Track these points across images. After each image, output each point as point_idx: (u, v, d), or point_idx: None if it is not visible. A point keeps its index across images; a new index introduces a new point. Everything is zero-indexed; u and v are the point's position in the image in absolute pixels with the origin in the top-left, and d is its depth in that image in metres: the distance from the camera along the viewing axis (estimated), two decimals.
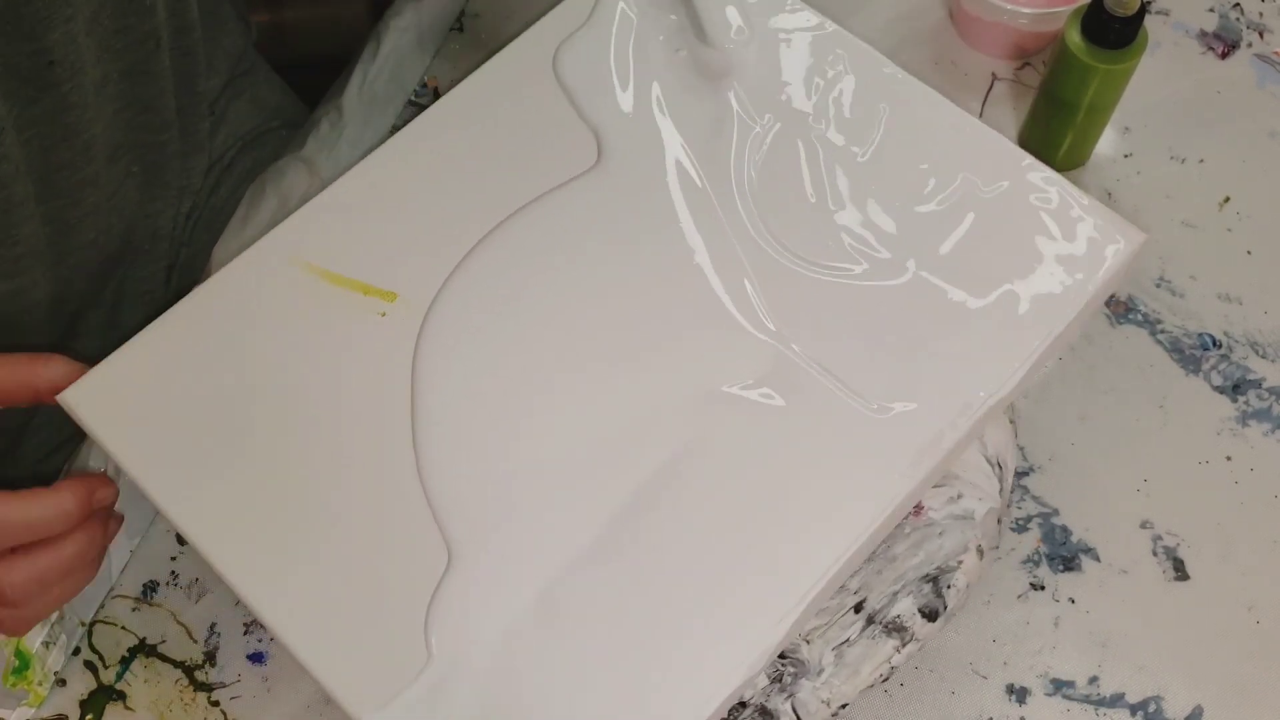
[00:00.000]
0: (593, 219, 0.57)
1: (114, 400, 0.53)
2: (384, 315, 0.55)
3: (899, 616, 0.55)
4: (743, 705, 0.54)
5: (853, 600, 0.56)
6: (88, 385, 0.53)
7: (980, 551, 0.57)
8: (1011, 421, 0.61)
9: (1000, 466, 0.59)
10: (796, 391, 0.53)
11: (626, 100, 0.60)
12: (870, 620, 0.55)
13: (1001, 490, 0.59)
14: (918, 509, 0.57)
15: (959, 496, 0.57)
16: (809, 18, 0.61)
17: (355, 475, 0.52)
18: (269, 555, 0.50)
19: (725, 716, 0.51)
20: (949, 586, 0.56)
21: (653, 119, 0.59)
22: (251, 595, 0.50)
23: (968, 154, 0.58)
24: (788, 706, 0.54)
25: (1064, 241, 0.55)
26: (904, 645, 0.55)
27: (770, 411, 0.53)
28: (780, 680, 0.54)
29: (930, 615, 0.56)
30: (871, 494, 0.51)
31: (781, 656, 0.54)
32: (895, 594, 0.56)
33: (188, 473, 0.52)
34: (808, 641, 0.55)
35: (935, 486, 0.57)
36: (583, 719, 0.48)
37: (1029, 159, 0.57)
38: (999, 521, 0.59)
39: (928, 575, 0.56)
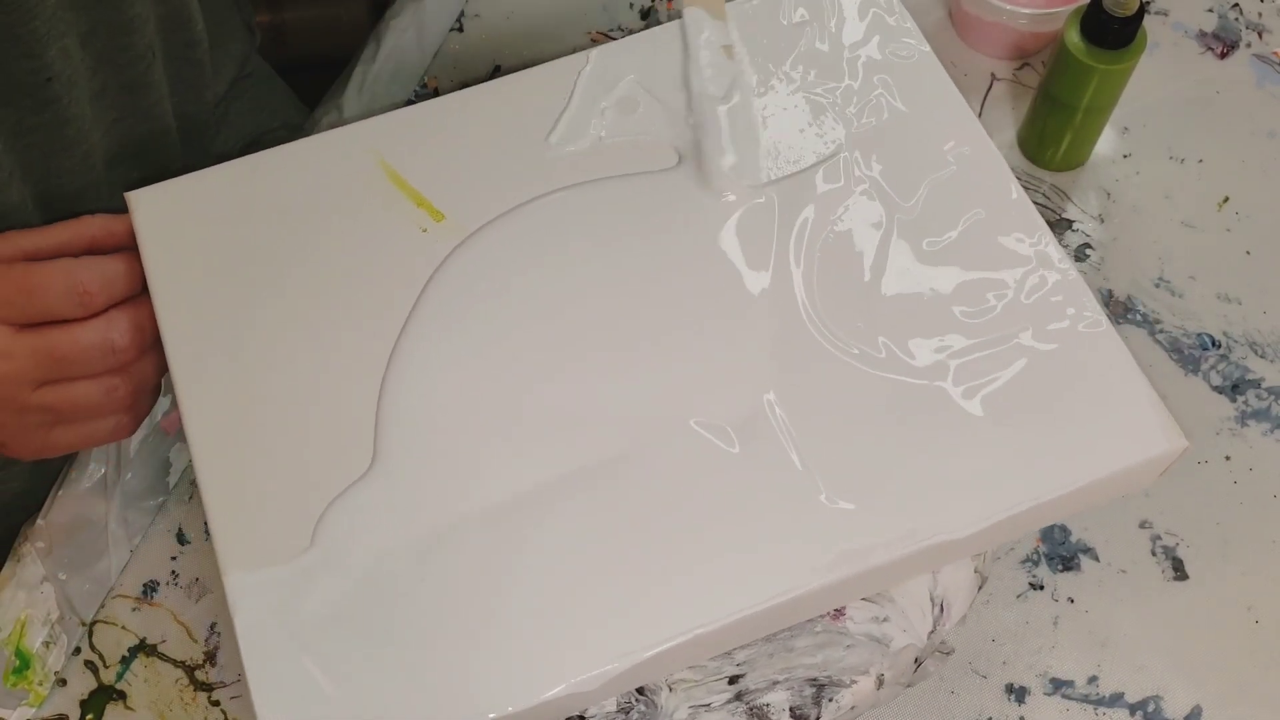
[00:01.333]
0: (644, 213, 0.57)
1: (168, 214, 0.57)
2: (425, 231, 0.57)
3: (767, 706, 0.53)
4: (581, 719, 0.52)
5: (731, 670, 0.53)
6: (153, 194, 0.57)
7: (880, 681, 0.54)
8: (978, 572, 0.57)
9: (942, 610, 0.55)
10: (754, 445, 0.52)
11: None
12: (738, 697, 0.53)
13: (933, 632, 0.55)
14: (839, 613, 0.54)
15: (884, 619, 0.54)
16: (956, 101, 0.60)
17: (331, 361, 0.54)
18: (227, 398, 0.53)
19: None
20: (830, 700, 0.53)
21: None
22: (193, 424, 0.52)
23: (1050, 299, 0.54)
24: None
25: (1105, 419, 0.52)
26: None
27: (720, 454, 0.52)
28: (628, 713, 0.52)
29: (799, 718, 0.53)
30: (780, 574, 0.50)
31: (640, 692, 0.52)
32: (775, 683, 0.53)
33: (196, 302, 0.55)
34: (670, 689, 0.53)
35: (865, 599, 0.54)
36: (418, 664, 0.48)
37: (1105, 324, 0.54)
38: (916, 661, 0.55)
39: (816, 680, 0.53)
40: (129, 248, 0.55)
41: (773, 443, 0.52)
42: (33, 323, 0.51)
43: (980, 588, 0.57)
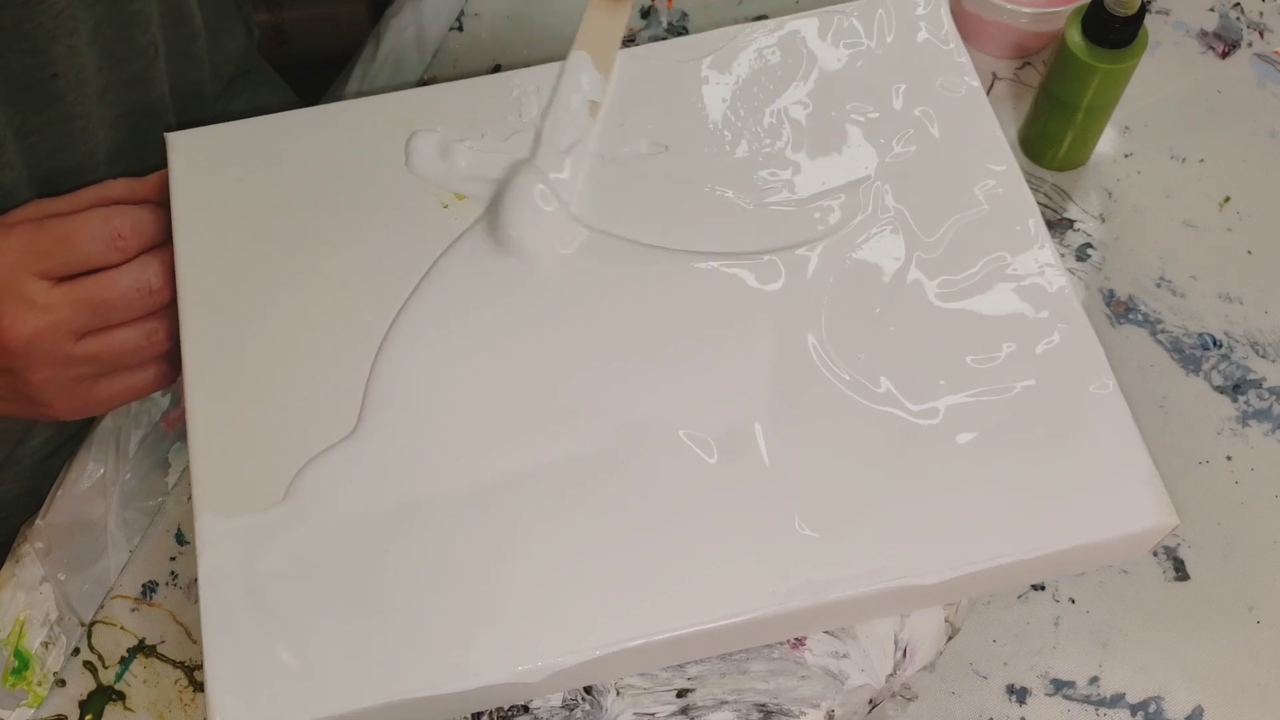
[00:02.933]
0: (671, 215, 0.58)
1: (202, 159, 0.59)
2: (446, 207, 0.58)
3: None
4: (525, 709, 0.53)
5: (682, 684, 0.53)
6: (191, 138, 0.59)
7: (830, 716, 0.53)
8: (949, 622, 0.56)
9: (905, 654, 0.54)
10: (735, 462, 0.52)
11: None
12: (684, 711, 0.52)
13: (892, 675, 0.54)
14: (798, 642, 0.53)
15: (843, 655, 0.53)
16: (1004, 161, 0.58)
17: (334, 323, 0.55)
18: (229, 345, 0.54)
19: (501, 712, 0.52)
20: None
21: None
22: (192, 366, 0.54)
23: (1062, 353, 0.54)
24: None
25: (1097, 486, 0.51)
26: None
27: (700, 465, 0.52)
28: (572, 710, 0.52)
29: None
30: (737, 595, 0.49)
31: (588, 691, 0.53)
32: (723, 703, 0.53)
33: (214, 247, 0.56)
34: (618, 693, 0.53)
35: (827, 632, 0.54)
36: (369, 630, 0.49)
37: (1113, 387, 0.53)
38: (871, 702, 0.54)
39: (765, 706, 0.53)
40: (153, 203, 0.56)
41: (755, 462, 0.52)
42: (70, 274, 0.52)
43: (950, 638, 0.56)
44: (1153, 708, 0.59)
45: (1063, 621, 0.61)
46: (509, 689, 0.49)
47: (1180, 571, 0.62)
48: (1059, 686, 0.59)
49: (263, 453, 0.52)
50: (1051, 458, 0.52)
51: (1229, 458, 0.64)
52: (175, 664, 0.60)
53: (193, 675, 0.60)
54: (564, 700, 0.52)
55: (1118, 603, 0.61)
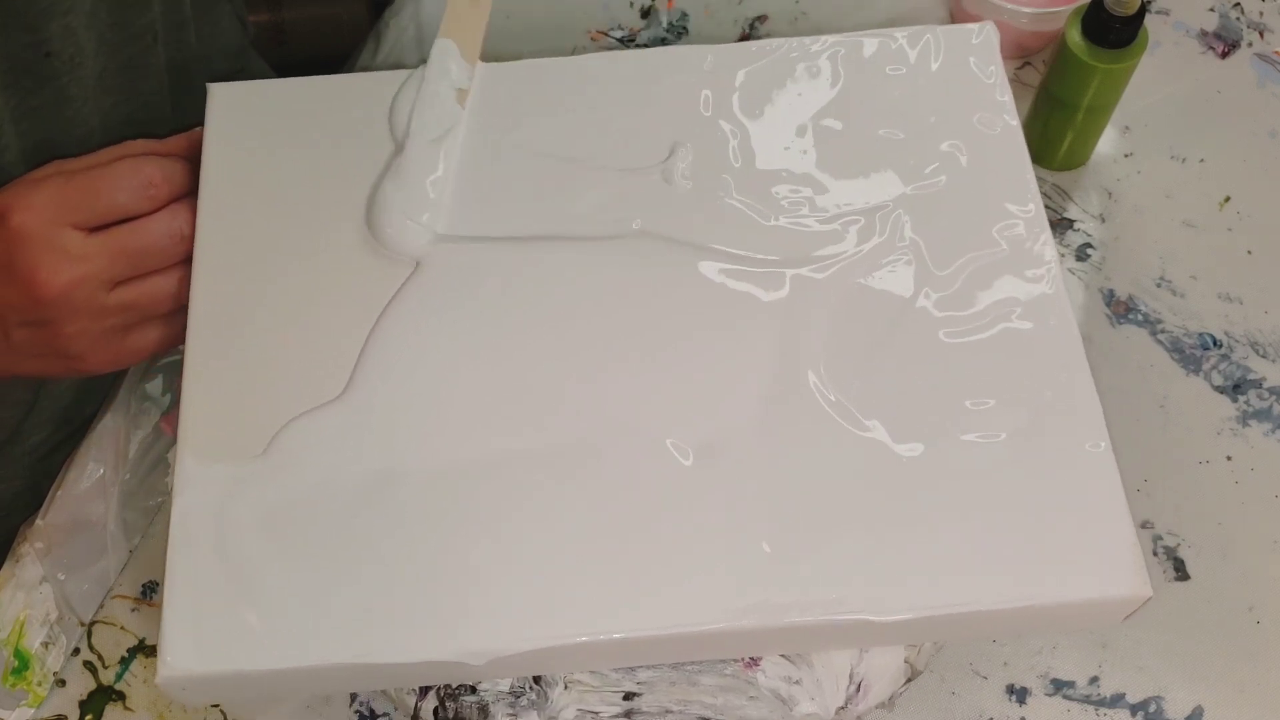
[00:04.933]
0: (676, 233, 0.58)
1: (239, 111, 0.59)
2: None
3: None
4: (472, 690, 0.53)
5: (630, 687, 0.53)
6: (231, 90, 0.60)
7: None
8: (909, 663, 0.55)
9: (859, 689, 0.54)
10: (713, 473, 0.52)
11: None
12: (628, 714, 0.52)
13: (842, 708, 0.54)
14: (753, 662, 0.53)
15: (795, 681, 0.53)
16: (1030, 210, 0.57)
17: (341, 290, 0.55)
18: (235, 295, 0.55)
19: (449, 690, 0.53)
20: None
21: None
22: (197, 311, 0.55)
23: (1060, 407, 0.52)
24: None
25: (1075, 546, 0.50)
26: None
27: (677, 472, 0.52)
28: (517, 697, 0.53)
29: None
30: (692, 606, 0.49)
31: (536, 680, 0.53)
32: (668, 712, 0.53)
33: (236, 199, 0.57)
34: (566, 687, 0.53)
35: (784, 656, 0.53)
36: (326, 590, 0.50)
37: (1106, 447, 0.52)
38: None
39: None
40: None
41: (730, 476, 0.51)
42: (103, 224, 0.53)
43: (909, 680, 0.55)
44: (1153, 708, 0.59)
45: None
46: (453, 668, 0.49)
47: (1180, 571, 0.62)
48: (1059, 686, 0.59)
49: (251, 406, 0.53)
50: (1032, 512, 0.50)
51: (1229, 458, 0.64)
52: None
53: None
54: (511, 686, 0.53)
55: None
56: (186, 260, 0.55)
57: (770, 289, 0.55)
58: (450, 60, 0.60)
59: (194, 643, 0.49)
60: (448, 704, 0.53)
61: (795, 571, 0.50)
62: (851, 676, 0.53)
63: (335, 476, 0.52)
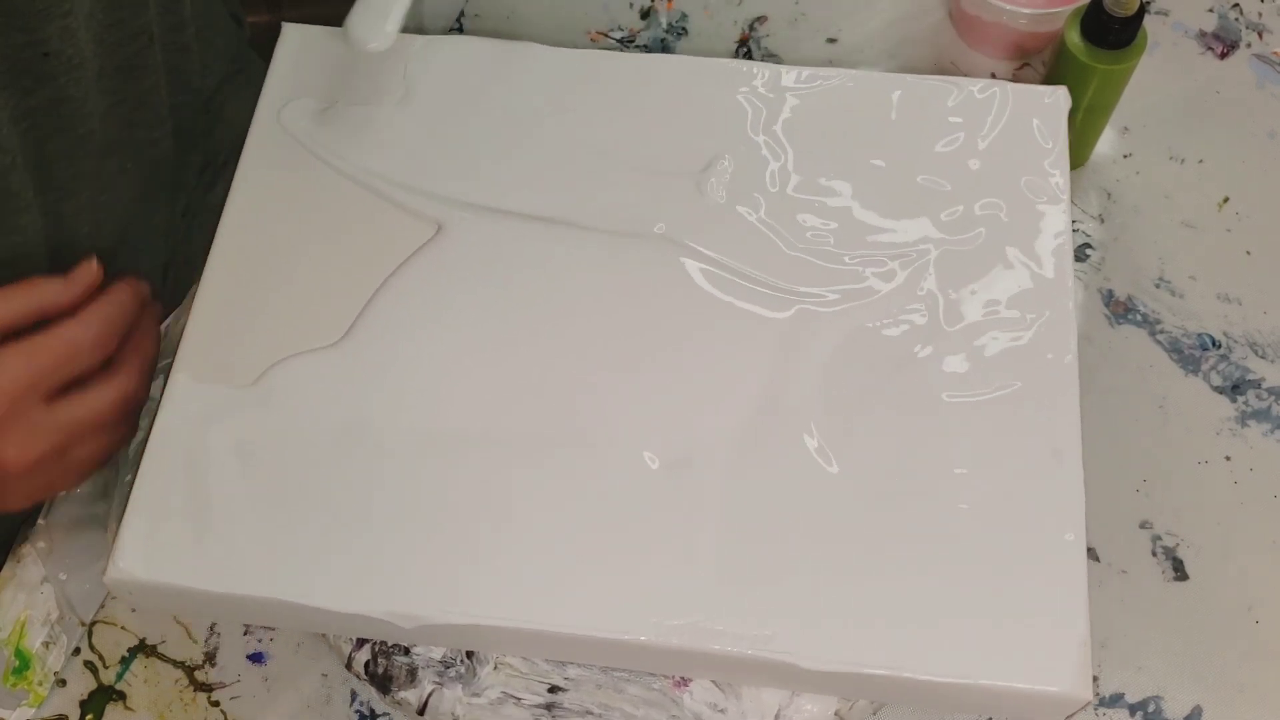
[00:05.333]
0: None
1: (304, 54, 0.62)
2: None
3: None
4: (406, 652, 0.54)
5: (558, 680, 0.54)
6: (302, 32, 0.63)
7: None
8: (839, 715, 0.53)
9: None
10: (675, 476, 0.52)
11: None
12: (548, 708, 0.53)
13: None
14: (684, 681, 0.53)
15: (720, 710, 0.53)
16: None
17: (366, 236, 0.58)
18: (262, 231, 0.58)
19: (384, 647, 0.54)
20: None
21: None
22: (221, 242, 0.58)
23: (1043, 496, 0.51)
24: (426, 687, 0.54)
25: (1023, 634, 0.49)
26: None
27: (642, 472, 0.52)
28: (447, 667, 0.54)
29: None
30: (619, 614, 0.49)
31: (469, 654, 0.54)
32: (587, 713, 0.53)
33: (280, 140, 0.60)
34: (495, 667, 0.54)
35: (714, 682, 0.53)
36: (280, 529, 0.51)
37: (1078, 538, 0.50)
38: None
39: None
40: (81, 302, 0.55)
41: (695, 492, 0.52)
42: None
43: None
44: (1152, 708, 0.59)
45: None
46: (383, 626, 0.50)
47: (1180, 571, 0.62)
48: None
49: (253, 337, 0.55)
50: (990, 590, 0.50)
51: (1228, 458, 0.64)
52: (176, 664, 0.60)
53: (193, 675, 0.60)
54: (444, 656, 0.54)
55: (1117, 602, 0.61)
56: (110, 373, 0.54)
57: (775, 316, 0.55)
58: None
59: (145, 551, 0.51)
60: (380, 660, 0.54)
61: (734, 600, 0.49)
62: (778, 717, 0.53)
63: (314, 419, 0.53)
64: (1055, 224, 0.57)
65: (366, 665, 0.54)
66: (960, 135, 0.59)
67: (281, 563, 0.51)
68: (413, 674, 0.54)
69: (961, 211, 0.57)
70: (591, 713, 0.53)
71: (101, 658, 0.60)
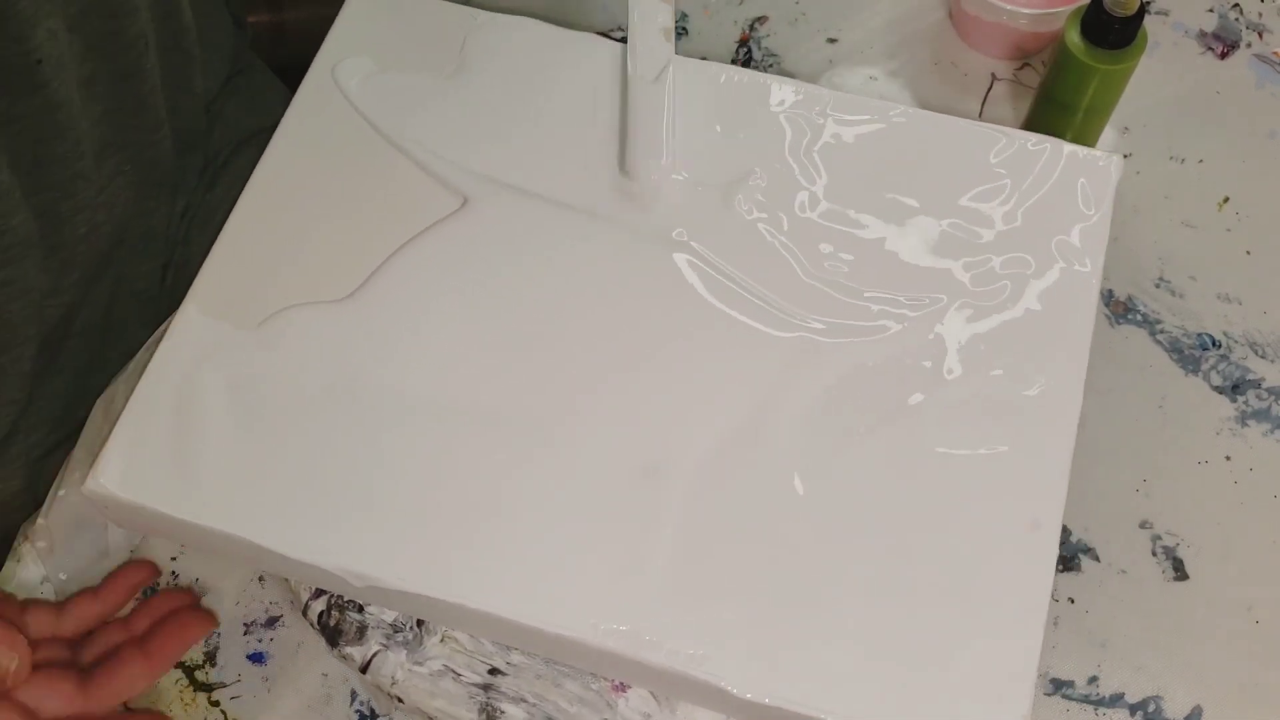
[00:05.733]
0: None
1: (370, 18, 0.64)
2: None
3: (502, 713, 0.53)
4: (360, 609, 0.56)
5: (500, 664, 0.54)
6: (361, 5, 0.64)
7: None
8: None
9: None
10: (647, 481, 0.52)
11: None
12: (485, 688, 0.54)
13: None
14: (622, 686, 0.53)
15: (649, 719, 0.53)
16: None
17: (395, 200, 0.58)
18: (296, 180, 0.59)
19: (340, 601, 0.55)
20: None
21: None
22: (255, 185, 0.59)
23: (1015, 559, 0.51)
24: (372, 646, 0.55)
25: (966, 690, 0.49)
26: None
27: (615, 467, 0.52)
28: (396, 631, 0.55)
29: None
30: (561, 609, 0.50)
31: (419, 623, 0.55)
32: (522, 700, 0.53)
33: (330, 94, 0.61)
34: (442, 640, 0.55)
35: (651, 691, 0.53)
36: (259, 470, 0.53)
37: (1044, 598, 0.50)
38: None
39: None
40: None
41: (662, 501, 0.52)
42: None
43: None
44: (1152, 707, 0.59)
45: (1061, 621, 0.61)
46: (334, 579, 0.52)
47: (1179, 571, 0.62)
48: (1058, 686, 0.60)
49: (267, 282, 0.57)
50: (936, 649, 0.49)
51: (1228, 458, 0.64)
52: (176, 663, 0.60)
53: (193, 675, 0.60)
54: (395, 620, 0.55)
55: (1116, 602, 0.61)
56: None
57: (777, 338, 0.55)
58: (654, 2, 0.62)
59: (125, 469, 0.53)
60: (333, 613, 0.56)
61: (677, 615, 0.49)
62: None
63: (307, 370, 0.55)
64: (1081, 292, 0.56)
65: (320, 615, 0.56)
66: (1001, 186, 0.59)
67: (251, 502, 0.52)
68: (362, 631, 0.55)
69: (987, 263, 0.57)
70: (526, 700, 0.54)
71: None
